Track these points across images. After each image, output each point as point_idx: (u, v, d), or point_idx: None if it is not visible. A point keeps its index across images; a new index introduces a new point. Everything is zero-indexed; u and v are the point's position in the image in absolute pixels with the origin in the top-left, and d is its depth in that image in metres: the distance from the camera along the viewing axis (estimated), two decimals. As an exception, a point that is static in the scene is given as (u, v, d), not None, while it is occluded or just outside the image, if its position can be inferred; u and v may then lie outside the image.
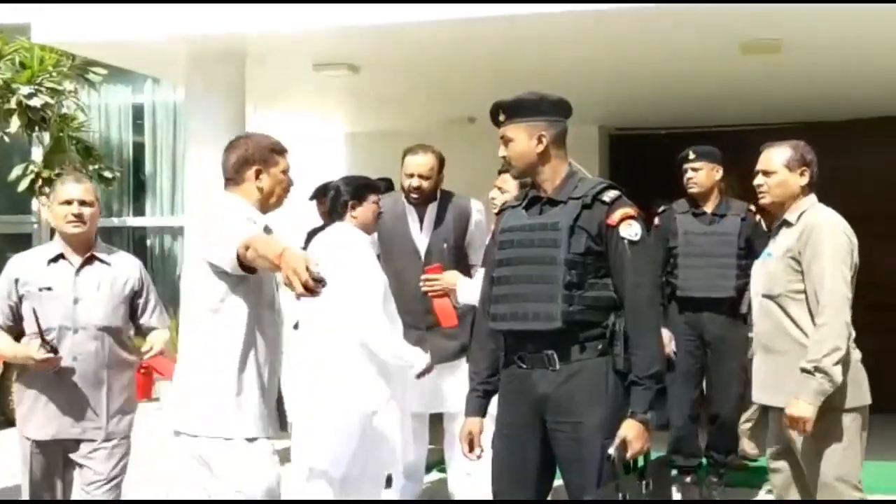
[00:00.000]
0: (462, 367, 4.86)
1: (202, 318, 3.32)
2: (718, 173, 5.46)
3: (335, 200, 4.44)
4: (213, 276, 3.25)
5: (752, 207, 5.42)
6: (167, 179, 10.31)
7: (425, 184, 4.87)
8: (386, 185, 5.74)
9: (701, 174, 5.43)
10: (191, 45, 5.90)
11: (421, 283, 4.54)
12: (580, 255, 3.09)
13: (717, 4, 4.95)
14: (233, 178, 3.40)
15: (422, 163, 4.87)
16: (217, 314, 3.26)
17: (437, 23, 5.32)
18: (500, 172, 4.58)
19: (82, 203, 4.01)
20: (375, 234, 4.86)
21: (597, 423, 3.08)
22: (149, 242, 10.36)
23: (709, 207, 5.46)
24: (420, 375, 4.37)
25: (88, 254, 4.07)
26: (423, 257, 4.89)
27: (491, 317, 3.25)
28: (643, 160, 8.14)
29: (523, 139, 3.21)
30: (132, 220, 10.37)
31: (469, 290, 4.45)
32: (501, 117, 3.24)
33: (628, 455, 3.03)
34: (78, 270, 4.04)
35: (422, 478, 5.25)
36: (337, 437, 4.25)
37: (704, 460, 5.59)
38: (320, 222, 5.99)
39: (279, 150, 3.45)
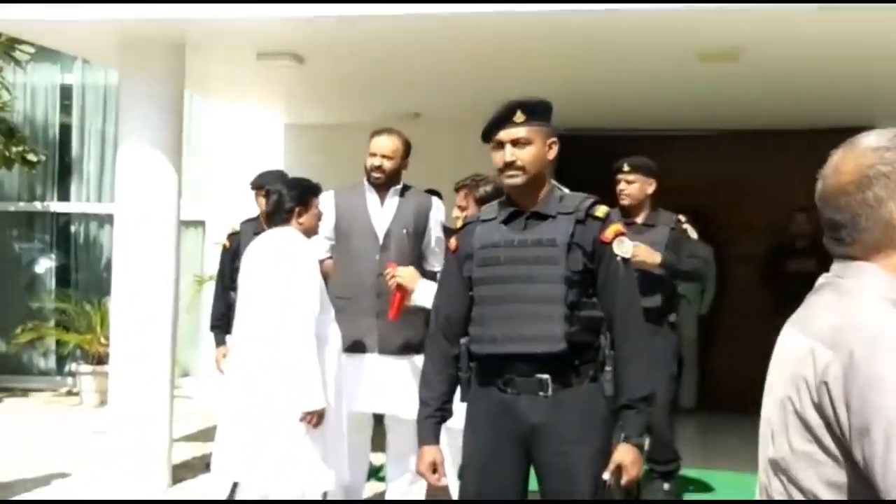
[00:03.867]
0: (405, 368, 4.76)
1: None
2: (651, 186, 5.34)
3: (279, 205, 4.28)
4: None
5: (682, 218, 5.36)
6: (94, 164, 9.88)
7: (387, 164, 4.78)
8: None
9: (634, 187, 5.33)
10: (124, 29, 5.61)
11: (387, 275, 4.45)
12: (578, 272, 2.93)
13: (675, 11, 4.83)
14: None
15: (385, 143, 4.79)
16: None
17: (384, 17, 5.14)
18: (457, 189, 4.41)
19: None
20: (331, 228, 4.77)
21: (591, 452, 2.93)
22: (73, 229, 9.93)
23: (639, 218, 5.37)
24: (305, 419, 4.14)
25: None
26: (381, 241, 4.76)
27: (475, 339, 3.02)
28: (587, 161, 8.06)
29: (540, 144, 3.00)
30: (56, 206, 9.92)
31: (427, 293, 4.31)
32: (518, 118, 2.99)
33: (623, 481, 2.88)
34: None
35: (361, 492, 5.04)
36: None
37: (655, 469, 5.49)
38: (253, 209, 5.82)
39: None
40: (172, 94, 5.90)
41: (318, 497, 4.36)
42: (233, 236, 5.76)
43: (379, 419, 4.98)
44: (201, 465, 6.37)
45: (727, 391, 7.78)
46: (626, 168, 5.32)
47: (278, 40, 5.89)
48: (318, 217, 4.42)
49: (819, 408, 1.49)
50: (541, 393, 2.94)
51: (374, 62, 6.47)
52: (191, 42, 5.82)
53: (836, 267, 1.63)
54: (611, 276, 2.96)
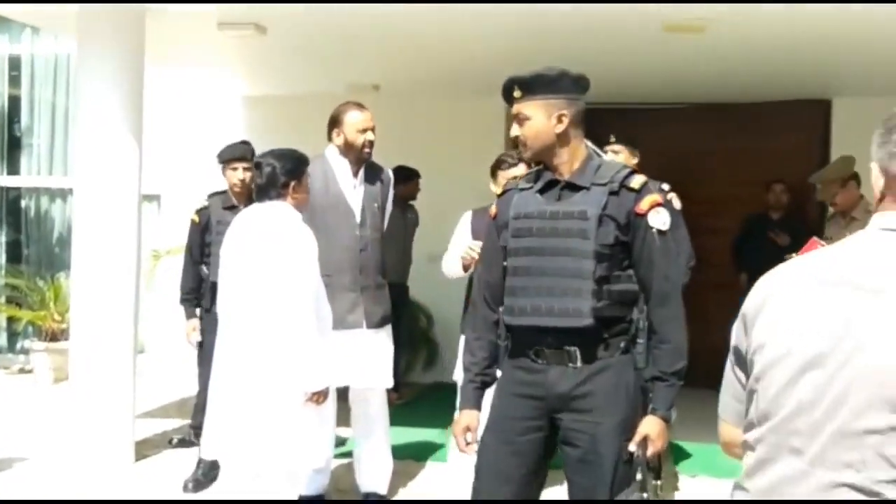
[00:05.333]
0: (384, 338, 4.81)
1: None
2: (636, 158, 5.46)
3: (272, 179, 4.09)
4: None
5: (666, 187, 5.39)
6: (45, 136, 9.64)
7: (374, 138, 4.75)
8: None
9: (620, 157, 5.38)
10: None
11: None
12: (609, 246, 2.91)
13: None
14: None
15: (370, 117, 4.72)
16: None
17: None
18: (498, 169, 4.53)
19: None
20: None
21: (616, 424, 2.92)
22: (23, 203, 9.71)
23: None
24: (311, 399, 4.02)
25: None
26: (357, 216, 4.71)
27: (507, 310, 3.02)
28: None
29: (541, 118, 2.98)
30: (5, 180, 9.68)
31: None
32: (517, 94, 2.99)
33: (649, 453, 2.89)
34: None
35: (329, 469, 4.99)
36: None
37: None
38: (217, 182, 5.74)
39: None
40: (132, 62, 5.75)
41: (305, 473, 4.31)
42: (201, 211, 5.68)
43: (342, 393, 4.93)
44: (163, 442, 6.30)
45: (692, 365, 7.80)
46: (612, 139, 5.45)
47: (239, 9, 5.77)
48: (308, 187, 4.23)
49: None
50: (570, 364, 2.94)
51: (335, 33, 6.38)
52: (150, 9, 5.68)
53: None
54: (646, 248, 2.94)
